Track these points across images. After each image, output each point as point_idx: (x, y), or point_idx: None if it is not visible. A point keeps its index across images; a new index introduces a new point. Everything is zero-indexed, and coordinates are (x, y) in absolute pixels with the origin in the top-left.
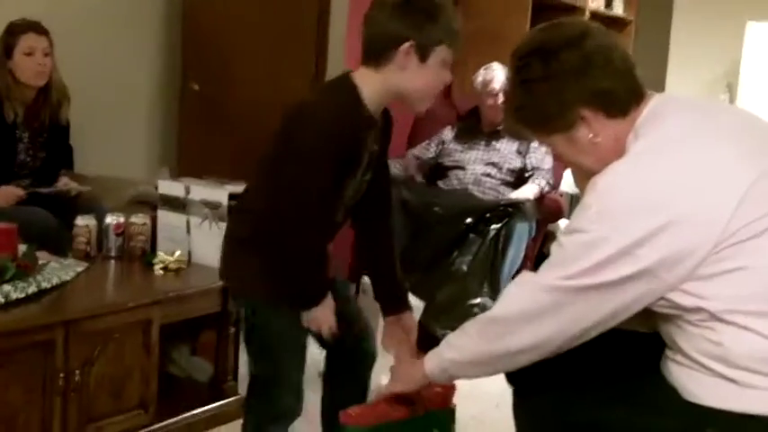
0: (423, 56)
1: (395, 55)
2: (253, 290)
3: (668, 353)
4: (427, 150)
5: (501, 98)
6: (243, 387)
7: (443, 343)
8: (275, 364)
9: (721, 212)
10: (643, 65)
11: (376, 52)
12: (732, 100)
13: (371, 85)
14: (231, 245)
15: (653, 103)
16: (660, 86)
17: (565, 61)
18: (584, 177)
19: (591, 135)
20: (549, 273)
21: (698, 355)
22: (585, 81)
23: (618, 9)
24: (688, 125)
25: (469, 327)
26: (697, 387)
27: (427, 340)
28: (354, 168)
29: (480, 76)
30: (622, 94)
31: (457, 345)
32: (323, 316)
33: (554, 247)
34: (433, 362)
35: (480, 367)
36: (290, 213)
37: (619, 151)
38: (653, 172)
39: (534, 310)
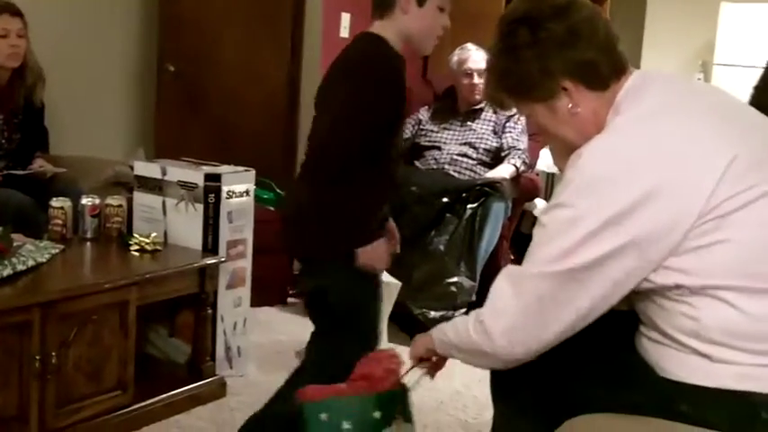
0: (420, 1)
1: (396, 1)
2: (319, 250)
3: (642, 330)
4: (403, 131)
5: (476, 78)
6: (220, 367)
7: (448, 323)
8: (353, 323)
9: (705, 183)
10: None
11: (382, 3)
12: (707, 79)
13: (386, 32)
14: (293, 220)
15: (633, 79)
16: (635, 65)
17: (551, 30)
18: (562, 155)
19: (571, 106)
20: (535, 258)
21: (673, 331)
22: (570, 52)
23: None
24: (670, 98)
25: (464, 323)
26: (670, 363)
27: (404, 317)
28: (404, 108)
29: (455, 56)
30: (605, 67)
31: (456, 333)
32: (375, 254)
33: (537, 229)
34: (439, 330)
35: (477, 359)
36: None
37: (598, 125)
38: (635, 143)
39: (527, 308)
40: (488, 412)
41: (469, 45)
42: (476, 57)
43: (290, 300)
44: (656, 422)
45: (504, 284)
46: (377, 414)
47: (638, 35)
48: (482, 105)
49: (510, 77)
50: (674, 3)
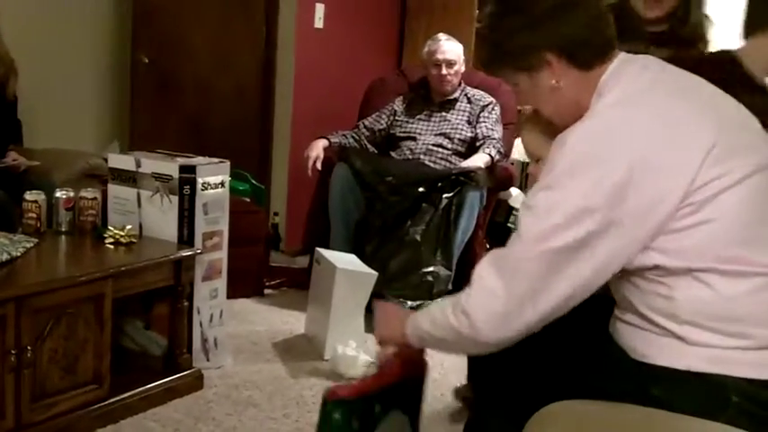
0: None
1: None
2: None
3: (618, 313)
4: (378, 121)
5: (444, 69)
6: (197, 360)
7: (421, 314)
8: None
9: (689, 164)
10: None
11: None
12: None
13: None
14: None
15: (617, 62)
16: None
17: (544, 1)
18: (541, 142)
19: (553, 81)
20: (522, 239)
21: (648, 312)
22: (558, 26)
23: None
24: (653, 78)
25: (441, 311)
26: (644, 346)
27: None
28: None
29: (427, 46)
30: (591, 45)
31: (432, 322)
32: None
33: (522, 212)
34: (412, 325)
35: (450, 346)
36: None
37: (580, 108)
38: (618, 125)
39: (513, 289)
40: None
41: (440, 35)
42: (445, 47)
43: (266, 291)
44: (630, 408)
45: (490, 267)
46: (377, 407)
47: None
48: (456, 95)
49: (498, 45)
50: None
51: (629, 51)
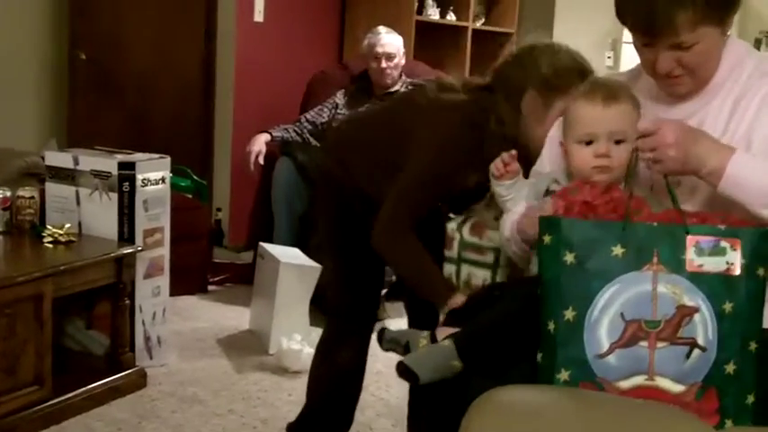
0: None
1: None
2: None
3: None
4: (320, 115)
5: (383, 62)
6: (140, 358)
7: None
8: None
9: None
10: (530, 19)
11: None
12: (616, 57)
13: None
14: None
15: None
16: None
17: None
18: None
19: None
20: None
21: None
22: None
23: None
24: None
25: None
26: None
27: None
28: None
29: (366, 39)
30: None
31: None
32: None
33: None
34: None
35: None
36: None
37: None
38: None
39: None
40: None
41: (380, 28)
42: (385, 40)
43: (210, 287)
44: (567, 391)
45: None
46: None
47: (549, 14)
48: (397, 87)
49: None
50: None
51: None
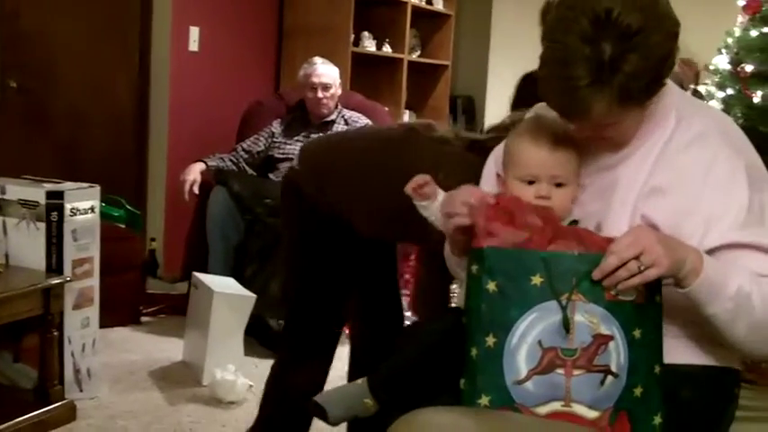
0: None
1: None
2: None
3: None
4: (257, 144)
5: (319, 92)
6: (69, 391)
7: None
8: None
9: None
10: (465, 51)
11: None
12: None
13: None
14: None
15: None
16: (482, 70)
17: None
18: None
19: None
20: None
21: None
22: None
23: (438, 4)
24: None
25: None
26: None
27: (262, 330)
28: None
29: (303, 69)
30: None
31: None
32: None
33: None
34: (716, 270)
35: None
36: None
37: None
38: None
39: None
40: None
41: (316, 59)
42: (320, 70)
43: (144, 318)
44: (491, 413)
45: None
46: None
47: (484, 47)
48: (333, 117)
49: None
50: (517, 6)
51: None
